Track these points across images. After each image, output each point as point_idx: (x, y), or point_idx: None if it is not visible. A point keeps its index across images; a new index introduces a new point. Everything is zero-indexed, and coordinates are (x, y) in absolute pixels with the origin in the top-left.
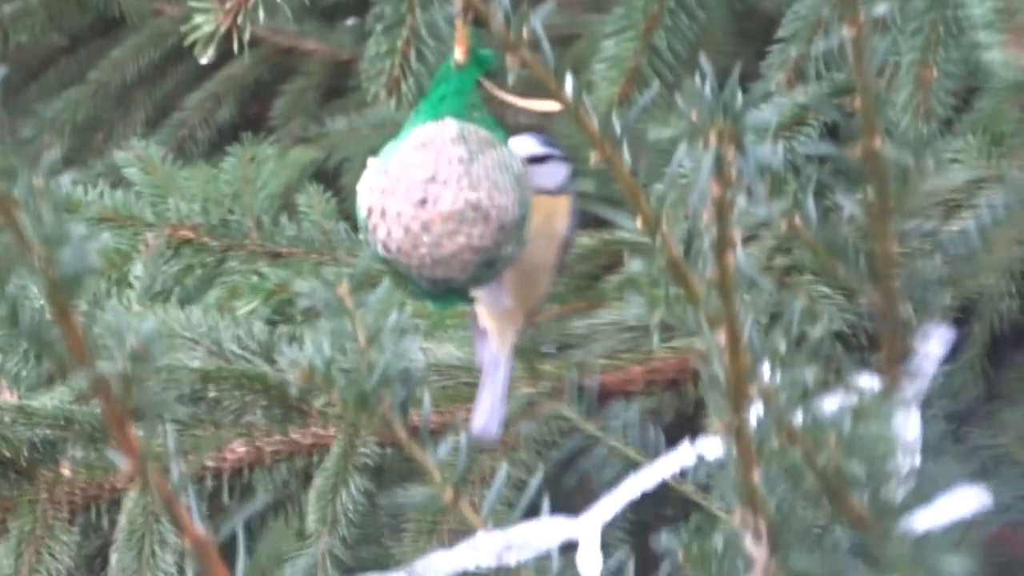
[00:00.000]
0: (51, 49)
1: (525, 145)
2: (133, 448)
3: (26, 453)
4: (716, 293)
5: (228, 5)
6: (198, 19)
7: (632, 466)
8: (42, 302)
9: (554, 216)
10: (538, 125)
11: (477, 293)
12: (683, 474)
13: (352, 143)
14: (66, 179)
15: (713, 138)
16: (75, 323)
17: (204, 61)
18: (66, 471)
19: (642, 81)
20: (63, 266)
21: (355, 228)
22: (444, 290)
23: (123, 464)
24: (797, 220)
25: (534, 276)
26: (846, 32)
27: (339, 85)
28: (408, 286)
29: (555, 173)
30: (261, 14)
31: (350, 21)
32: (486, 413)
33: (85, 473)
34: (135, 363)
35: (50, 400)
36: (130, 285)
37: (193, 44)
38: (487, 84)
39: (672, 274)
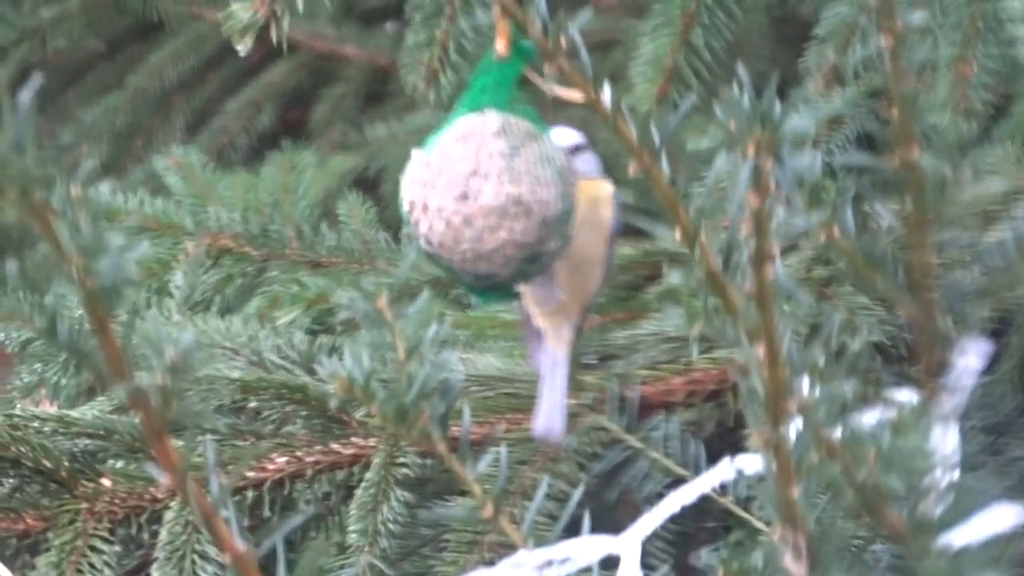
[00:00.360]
0: (89, 54)
1: (565, 135)
2: (172, 461)
3: (66, 464)
4: (754, 305)
5: None
6: (235, 8)
7: (673, 480)
8: (80, 312)
9: (599, 204)
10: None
11: (527, 291)
12: (723, 488)
13: (392, 150)
14: (105, 187)
15: (751, 149)
16: (113, 334)
17: (242, 52)
18: (107, 482)
19: (680, 80)
20: (101, 276)
21: (396, 237)
22: (487, 285)
23: (162, 477)
24: (835, 231)
25: (585, 268)
26: (883, 41)
27: (379, 91)
28: (453, 279)
29: (591, 162)
30: (300, 3)
31: (389, 25)
32: (548, 413)
33: (126, 484)
34: (174, 375)
35: (90, 410)
36: (170, 295)
37: (232, 40)
38: (530, 74)
39: (710, 286)
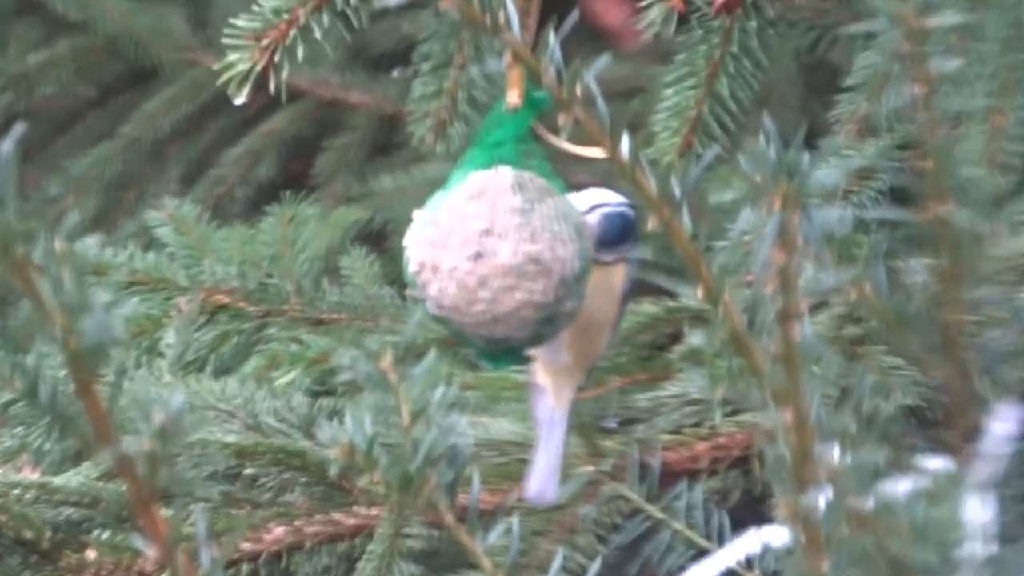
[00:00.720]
0: (80, 102)
1: (583, 199)
2: (160, 532)
3: (49, 534)
4: (781, 367)
5: (264, 42)
6: (233, 57)
7: (696, 552)
8: (64, 373)
9: (610, 271)
10: (598, 182)
11: (535, 350)
12: (749, 561)
13: (399, 203)
14: (92, 241)
15: (777, 202)
16: (98, 397)
17: (239, 102)
18: (91, 554)
19: (704, 131)
20: (85, 335)
21: (402, 293)
22: (500, 349)
23: (150, 549)
24: (867, 288)
25: (593, 331)
26: (915, 90)
27: (385, 141)
28: (463, 343)
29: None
30: (300, 52)
31: (397, 72)
32: (542, 476)
33: (111, 556)
34: (163, 439)
35: (75, 477)
36: (160, 354)
37: (229, 89)
38: (540, 131)
39: (734, 346)
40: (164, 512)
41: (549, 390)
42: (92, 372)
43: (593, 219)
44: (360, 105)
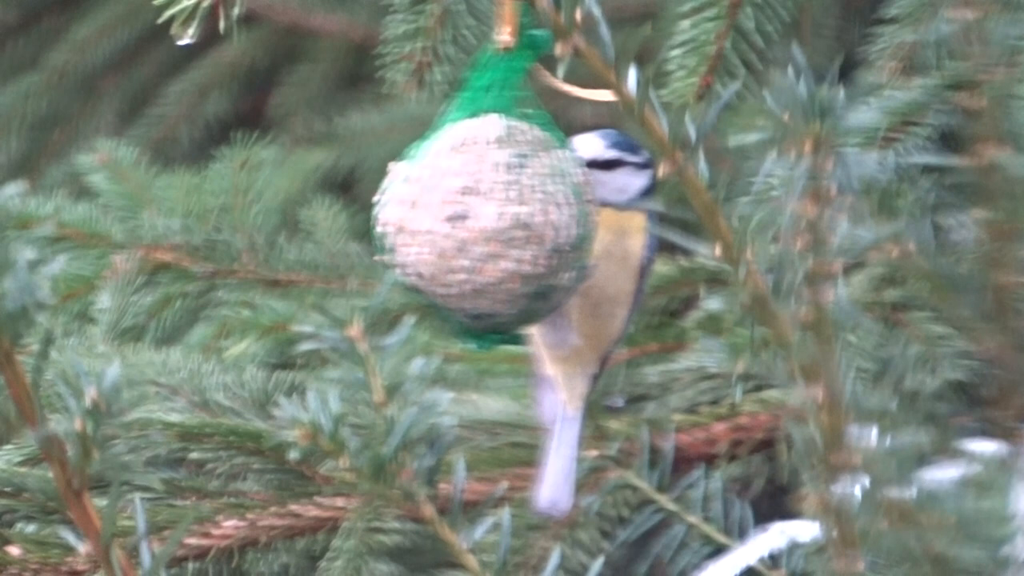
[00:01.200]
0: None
1: (589, 146)
2: (93, 524)
3: None
4: (811, 337)
5: None
6: None
7: (714, 549)
8: None
9: (626, 233)
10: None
11: (535, 331)
12: (774, 559)
13: (370, 144)
14: (13, 189)
15: (807, 146)
16: (21, 369)
17: (185, 42)
18: (15, 551)
19: (726, 70)
20: (6, 299)
21: (372, 249)
22: (486, 326)
23: (81, 545)
24: (909, 246)
25: (607, 308)
26: (965, 18)
27: (353, 72)
28: (442, 318)
29: (627, 183)
30: None
31: None
32: (554, 484)
33: (38, 553)
34: (96, 419)
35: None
36: (93, 320)
37: (171, 22)
38: (539, 72)
39: (758, 313)
40: (98, 502)
41: (559, 382)
42: (14, 341)
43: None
44: (324, 31)
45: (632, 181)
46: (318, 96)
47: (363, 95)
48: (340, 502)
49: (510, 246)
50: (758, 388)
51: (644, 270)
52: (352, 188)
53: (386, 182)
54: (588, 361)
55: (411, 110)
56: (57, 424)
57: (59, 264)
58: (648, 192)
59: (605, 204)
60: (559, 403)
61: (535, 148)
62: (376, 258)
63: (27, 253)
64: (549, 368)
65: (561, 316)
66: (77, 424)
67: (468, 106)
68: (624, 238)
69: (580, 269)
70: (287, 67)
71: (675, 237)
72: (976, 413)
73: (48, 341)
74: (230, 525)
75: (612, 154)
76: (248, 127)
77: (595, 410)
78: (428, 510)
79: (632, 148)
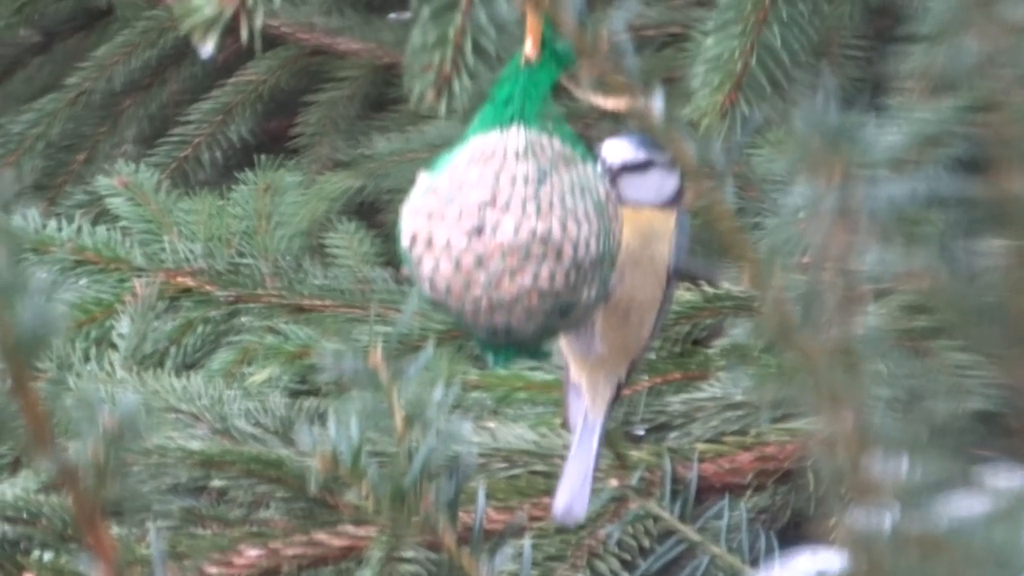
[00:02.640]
0: (20, 48)
1: (619, 150)
2: (108, 552)
3: None
4: (838, 365)
5: None
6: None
7: None
8: None
9: (655, 238)
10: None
11: (561, 338)
12: None
13: (396, 169)
14: (31, 211)
15: (836, 173)
16: (36, 395)
17: (205, 55)
18: None
19: (751, 87)
20: (21, 323)
21: (397, 276)
22: (505, 341)
23: (96, 572)
24: (937, 274)
25: (633, 316)
26: (992, 40)
27: (380, 95)
28: (465, 333)
29: (660, 185)
30: None
31: (394, 15)
32: (571, 490)
33: None
34: (112, 445)
35: (11, 489)
36: (113, 345)
37: (193, 38)
38: (565, 81)
39: (785, 341)
40: (114, 530)
41: (583, 389)
42: (30, 366)
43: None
44: (351, 53)
45: (666, 181)
46: (344, 119)
47: (390, 119)
48: (364, 531)
49: (528, 261)
50: (784, 418)
51: (671, 276)
52: (379, 213)
53: (412, 192)
54: (614, 369)
55: (437, 134)
56: (72, 450)
57: (77, 289)
58: (679, 193)
59: (641, 206)
60: (582, 409)
61: (557, 162)
62: (402, 270)
63: (43, 277)
64: (574, 373)
65: (587, 324)
66: (92, 450)
67: (491, 119)
68: (652, 243)
69: (602, 286)
70: (313, 90)
71: (702, 264)
72: (1004, 443)
73: (64, 367)
74: (252, 554)
75: (644, 155)
76: (272, 150)
77: (617, 439)
78: (448, 539)
79: (660, 148)
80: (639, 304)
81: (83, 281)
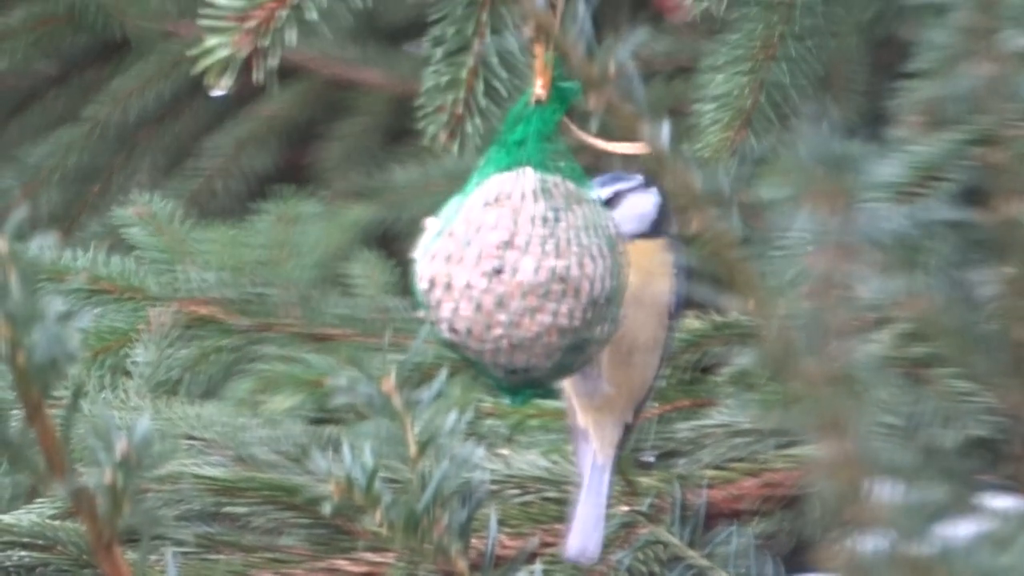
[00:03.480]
0: (37, 79)
1: (608, 183)
2: None
3: None
4: (832, 391)
5: (249, 24)
6: (211, 41)
7: None
8: (11, 394)
9: (655, 275)
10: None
11: (567, 382)
12: None
13: (416, 200)
14: (46, 240)
15: (838, 202)
16: (50, 422)
17: (218, 93)
18: None
19: (759, 125)
20: (35, 351)
21: (412, 304)
22: (522, 381)
23: None
24: (928, 302)
25: (637, 356)
26: (987, 71)
27: (400, 127)
28: (479, 373)
29: (637, 207)
30: (292, 37)
31: (410, 48)
32: (584, 532)
33: None
34: (126, 471)
35: (28, 516)
36: (129, 373)
37: (206, 79)
38: (568, 125)
39: (787, 368)
40: (129, 556)
41: (591, 432)
42: (44, 393)
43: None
44: (371, 84)
45: (640, 203)
46: (365, 151)
47: (405, 149)
48: (382, 557)
49: (548, 299)
50: (790, 444)
51: (673, 315)
52: (393, 243)
53: (423, 237)
54: (619, 409)
55: (457, 165)
56: (87, 477)
57: (90, 316)
58: (663, 210)
59: (631, 238)
60: (590, 452)
61: (568, 201)
62: (416, 313)
63: (57, 305)
64: (580, 418)
65: (592, 365)
66: (107, 477)
67: (502, 159)
68: (652, 282)
69: (613, 321)
70: (328, 121)
71: (708, 293)
72: (999, 469)
73: (78, 393)
74: None
75: (608, 190)
76: (288, 181)
77: (627, 466)
78: (461, 565)
79: (622, 177)
80: (643, 343)
81: (98, 310)
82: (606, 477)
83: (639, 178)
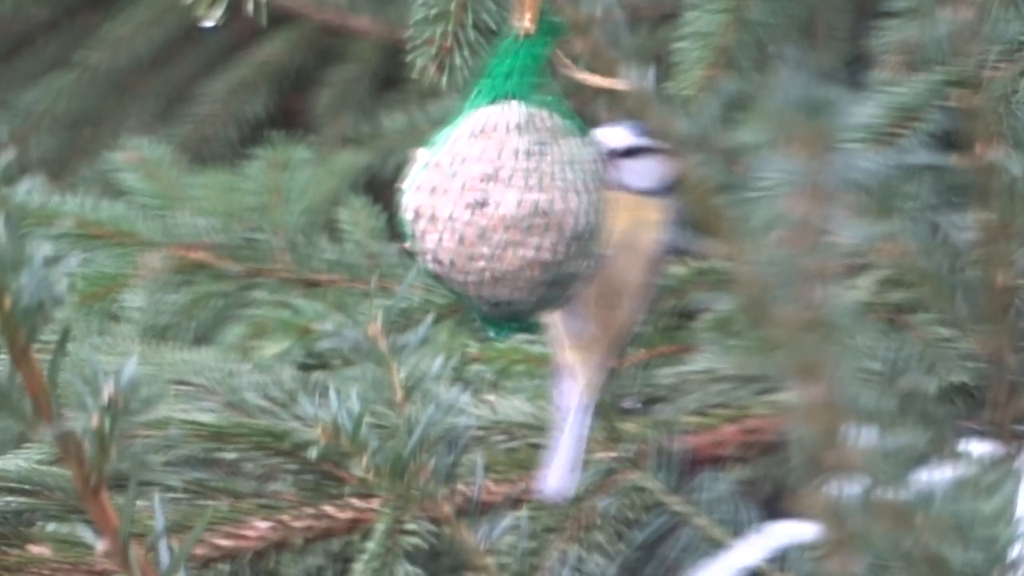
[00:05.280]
0: (30, 24)
1: (618, 136)
2: (111, 521)
3: None
4: (807, 335)
5: None
6: None
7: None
8: None
9: (642, 224)
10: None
11: (553, 319)
12: (782, 561)
13: (404, 146)
14: (31, 183)
15: (805, 145)
16: (37, 366)
17: (208, 25)
18: (37, 550)
19: (734, 63)
20: (22, 294)
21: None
22: (505, 314)
23: (99, 543)
24: (904, 246)
25: (618, 299)
26: (964, 14)
27: (396, 73)
28: (465, 306)
29: (649, 169)
30: None
31: None
32: (561, 468)
33: (60, 552)
34: (113, 415)
35: (17, 460)
36: (116, 318)
37: (198, 9)
38: (557, 58)
39: (759, 313)
40: (117, 501)
41: (575, 369)
42: (30, 337)
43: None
44: (366, 31)
45: (654, 168)
46: (360, 96)
47: (406, 96)
48: (369, 504)
49: (530, 233)
50: (769, 390)
51: (656, 263)
52: (386, 189)
53: (410, 168)
54: (604, 350)
55: (438, 112)
56: (74, 421)
57: (78, 259)
58: (674, 184)
59: (625, 189)
60: (572, 390)
61: (553, 135)
62: (405, 245)
63: (44, 248)
64: (568, 355)
65: (580, 304)
66: (94, 420)
67: (489, 92)
68: (638, 230)
69: (593, 257)
70: (328, 67)
71: (682, 237)
72: (978, 415)
73: (65, 337)
74: (264, 527)
75: (638, 141)
76: (285, 127)
77: (610, 412)
78: (446, 509)
79: (658, 137)
80: (624, 287)
81: (88, 255)
82: (586, 418)
83: (667, 145)
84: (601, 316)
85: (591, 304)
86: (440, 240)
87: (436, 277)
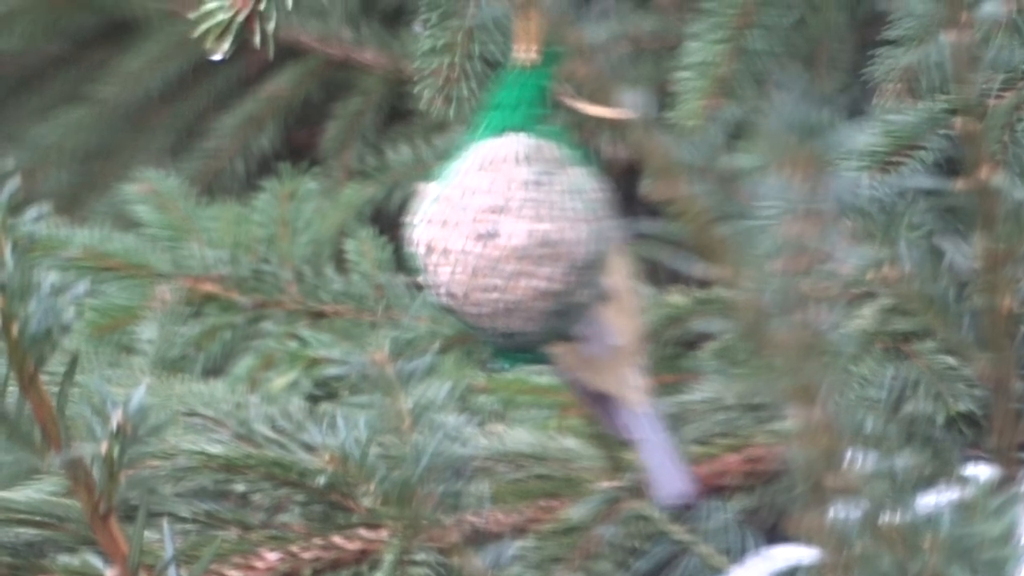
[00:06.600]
0: (46, 59)
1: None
2: (120, 550)
3: (7, 558)
4: (803, 358)
5: None
6: (211, 5)
7: None
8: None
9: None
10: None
11: (566, 357)
12: None
13: (418, 178)
14: (39, 211)
15: (799, 167)
16: (45, 395)
17: (216, 58)
18: None
19: (735, 92)
20: (29, 322)
21: (413, 282)
22: (515, 345)
23: (109, 570)
24: (898, 271)
25: (628, 298)
26: (949, 38)
27: (404, 106)
28: (478, 339)
29: None
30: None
31: (417, 26)
32: (668, 476)
33: None
34: (122, 442)
35: (30, 492)
36: (135, 351)
37: (206, 43)
38: (558, 88)
39: (756, 337)
40: (128, 531)
41: (616, 389)
42: (38, 364)
43: None
44: (375, 64)
45: None
46: (369, 129)
47: (414, 129)
48: (377, 535)
49: (540, 264)
50: (771, 419)
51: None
52: (386, 221)
53: (417, 202)
54: (632, 353)
55: (444, 146)
56: (83, 448)
57: (86, 287)
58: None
59: None
60: (628, 410)
61: (555, 166)
62: (412, 279)
63: (52, 276)
64: (599, 383)
65: (596, 326)
66: (103, 447)
67: (494, 124)
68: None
69: (595, 287)
70: (339, 100)
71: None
72: (979, 441)
73: (74, 365)
74: (273, 557)
75: None
76: (293, 160)
77: (608, 441)
78: (454, 535)
79: None
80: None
81: (86, 282)
82: (655, 419)
83: None
84: (620, 323)
85: (610, 317)
86: (453, 273)
87: (448, 310)
